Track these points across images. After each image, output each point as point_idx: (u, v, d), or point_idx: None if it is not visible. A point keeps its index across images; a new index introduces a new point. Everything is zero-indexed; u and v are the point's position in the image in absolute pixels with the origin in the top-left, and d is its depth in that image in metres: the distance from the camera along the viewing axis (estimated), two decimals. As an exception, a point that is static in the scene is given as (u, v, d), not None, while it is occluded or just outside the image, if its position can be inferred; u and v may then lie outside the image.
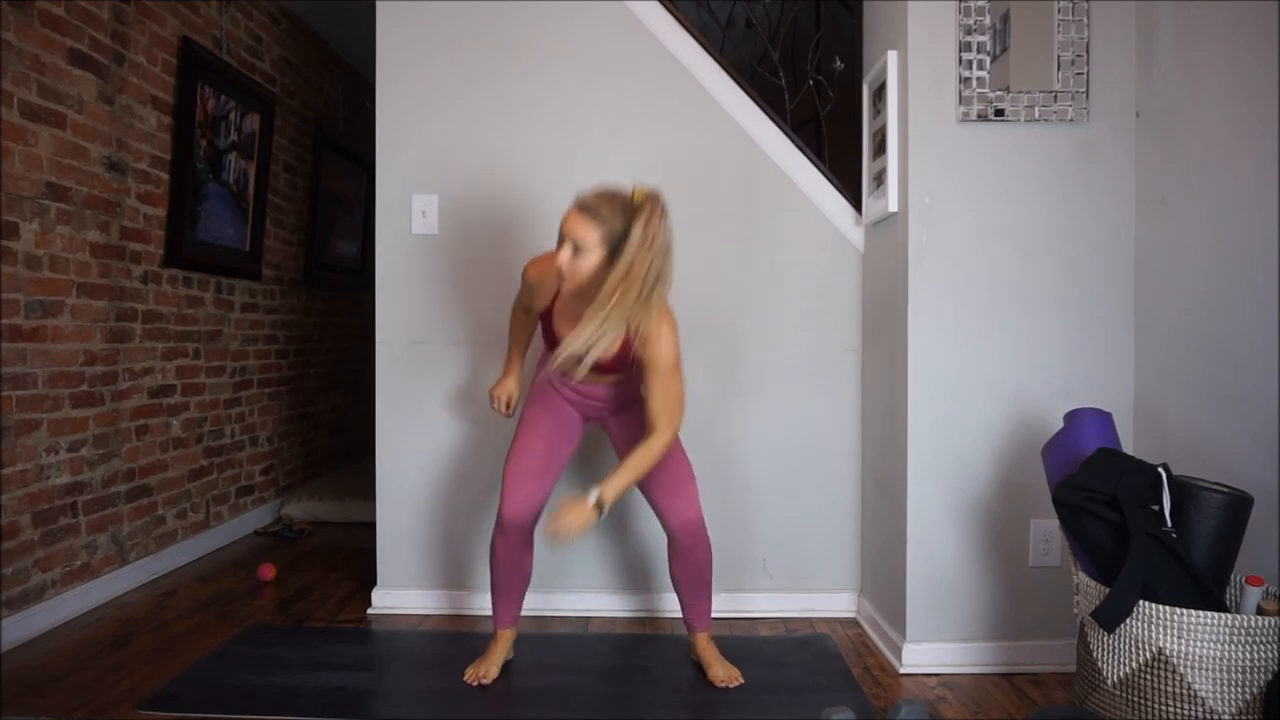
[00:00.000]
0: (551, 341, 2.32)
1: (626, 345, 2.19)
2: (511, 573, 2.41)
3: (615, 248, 2.08)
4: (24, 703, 2.22)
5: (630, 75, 2.92)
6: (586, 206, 2.11)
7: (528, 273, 2.36)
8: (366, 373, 5.41)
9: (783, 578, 2.95)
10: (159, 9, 3.34)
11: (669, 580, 2.91)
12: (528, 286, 2.38)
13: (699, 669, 2.45)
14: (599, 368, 2.22)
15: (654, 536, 2.95)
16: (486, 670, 2.39)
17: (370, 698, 2.30)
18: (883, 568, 2.71)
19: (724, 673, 2.38)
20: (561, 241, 2.12)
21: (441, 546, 2.96)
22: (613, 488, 2.14)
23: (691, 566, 2.40)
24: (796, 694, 2.31)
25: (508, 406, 2.53)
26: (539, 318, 2.37)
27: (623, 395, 2.37)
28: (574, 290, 2.17)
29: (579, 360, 2.14)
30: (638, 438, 2.26)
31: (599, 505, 2.12)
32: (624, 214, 2.08)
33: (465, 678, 2.38)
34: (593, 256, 2.10)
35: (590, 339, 2.10)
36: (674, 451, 2.33)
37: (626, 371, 2.27)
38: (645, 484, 2.35)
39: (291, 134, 4.56)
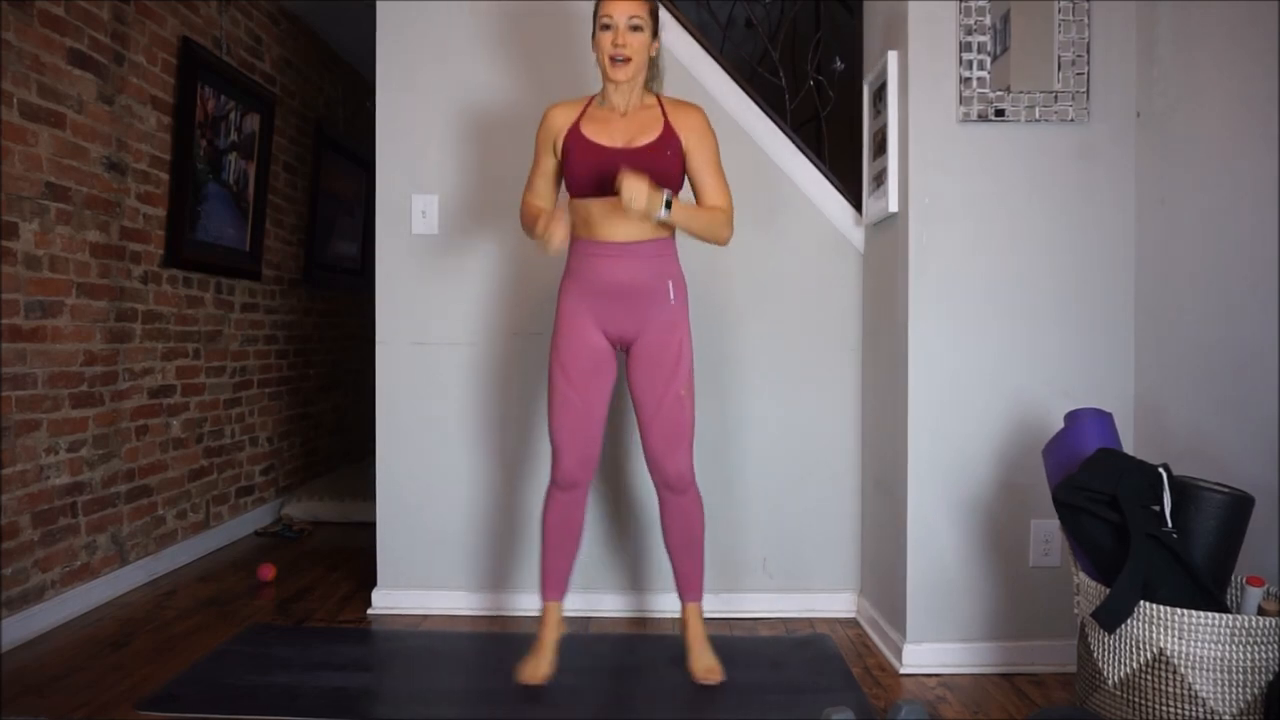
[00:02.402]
0: (583, 155, 2.25)
1: (667, 128, 2.26)
2: (567, 533, 2.38)
3: (654, 26, 2.27)
4: (24, 703, 2.22)
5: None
6: None
7: (549, 113, 2.36)
8: (366, 373, 5.40)
9: (782, 578, 2.95)
10: (159, 9, 3.34)
11: (669, 581, 2.91)
12: (549, 127, 2.35)
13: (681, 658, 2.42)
14: (640, 155, 2.22)
15: (653, 537, 2.95)
16: (541, 668, 2.33)
17: (370, 698, 2.30)
18: (883, 568, 2.71)
19: (705, 665, 2.35)
20: (609, 30, 2.21)
21: (441, 546, 2.96)
22: (682, 208, 2.21)
23: (683, 520, 2.38)
24: (796, 694, 2.31)
25: (558, 246, 2.21)
26: (564, 146, 2.30)
27: (647, 271, 2.29)
28: (624, 78, 2.23)
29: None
30: (659, 373, 2.29)
31: (668, 204, 2.16)
32: None
33: (521, 678, 2.32)
34: (646, 32, 2.24)
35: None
36: (684, 402, 2.32)
37: (665, 171, 2.24)
38: (646, 428, 2.33)
39: (291, 134, 4.56)
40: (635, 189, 2.09)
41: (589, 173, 2.25)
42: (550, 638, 2.39)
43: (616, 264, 2.29)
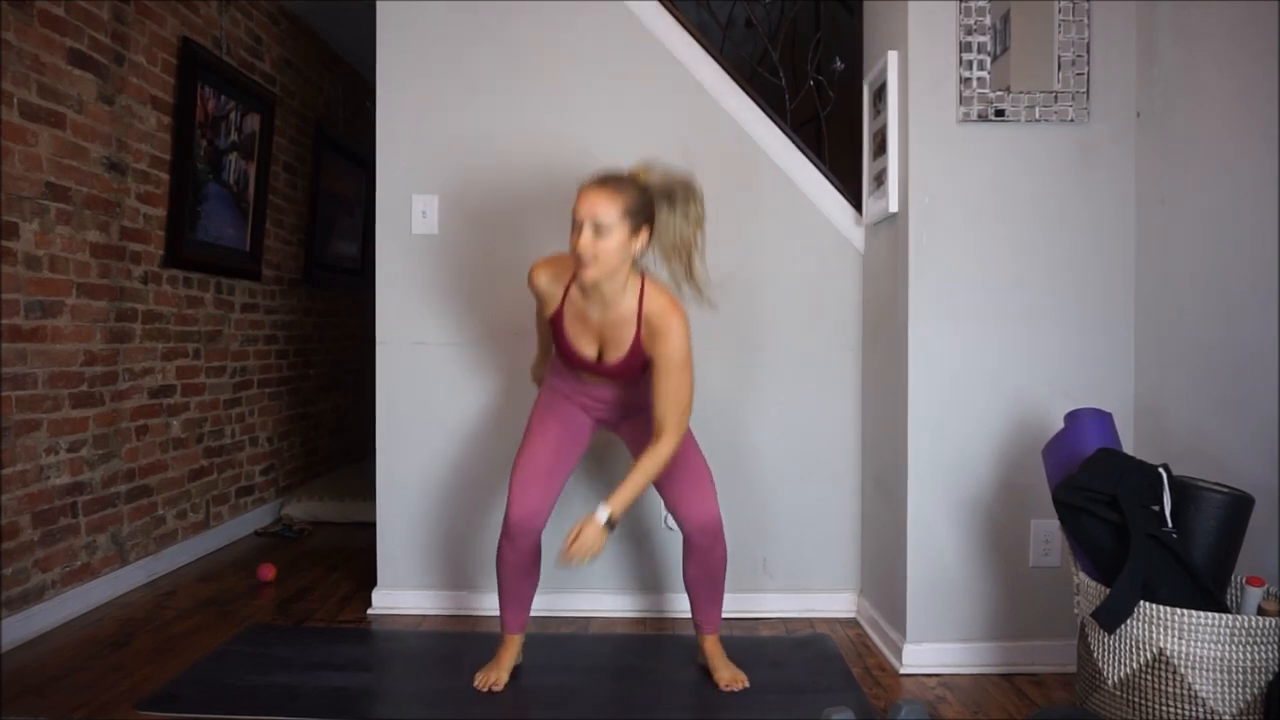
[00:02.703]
0: (563, 347, 2.26)
1: (637, 343, 2.16)
2: (521, 579, 2.36)
3: (636, 223, 2.08)
4: (24, 703, 2.22)
5: (630, 75, 2.92)
6: (605, 181, 2.08)
7: (534, 277, 2.26)
8: (366, 373, 5.39)
9: (783, 578, 2.95)
10: (159, 9, 3.34)
11: (670, 580, 2.91)
12: (536, 292, 2.29)
13: (704, 670, 2.43)
14: (609, 371, 2.21)
15: (655, 537, 2.95)
16: (498, 677, 2.34)
17: (370, 698, 2.30)
18: (883, 568, 2.71)
19: (729, 675, 2.36)
20: (576, 229, 2.05)
21: (441, 547, 2.96)
22: (620, 502, 2.14)
23: (707, 568, 2.36)
24: (796, 694, 2.31)
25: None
26: (550, 324, 2.29)
27: (631, 399, 2.35)
28: (590, 279, 2.07)
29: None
30: (648, 440, 2.23)
31: (610, 524, 2.11)
32: (637, 188, 2.10)
33: (475, 683, 2.34)
34: (616, 235, 2.05)
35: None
36: (688, 449, 2.30)
37: (637, 374, 2.24)
38: (661, 484, 2.30)
39: (291, 134, 4.56)
40: (578, 554, 2.08)
41: (577, 366, 2.28)
42: (509, 657, 2.40)
43: (604, 392, 2.34)
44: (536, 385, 2.49)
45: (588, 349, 2.23)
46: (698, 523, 2.29)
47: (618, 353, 2.19)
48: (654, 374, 2.16)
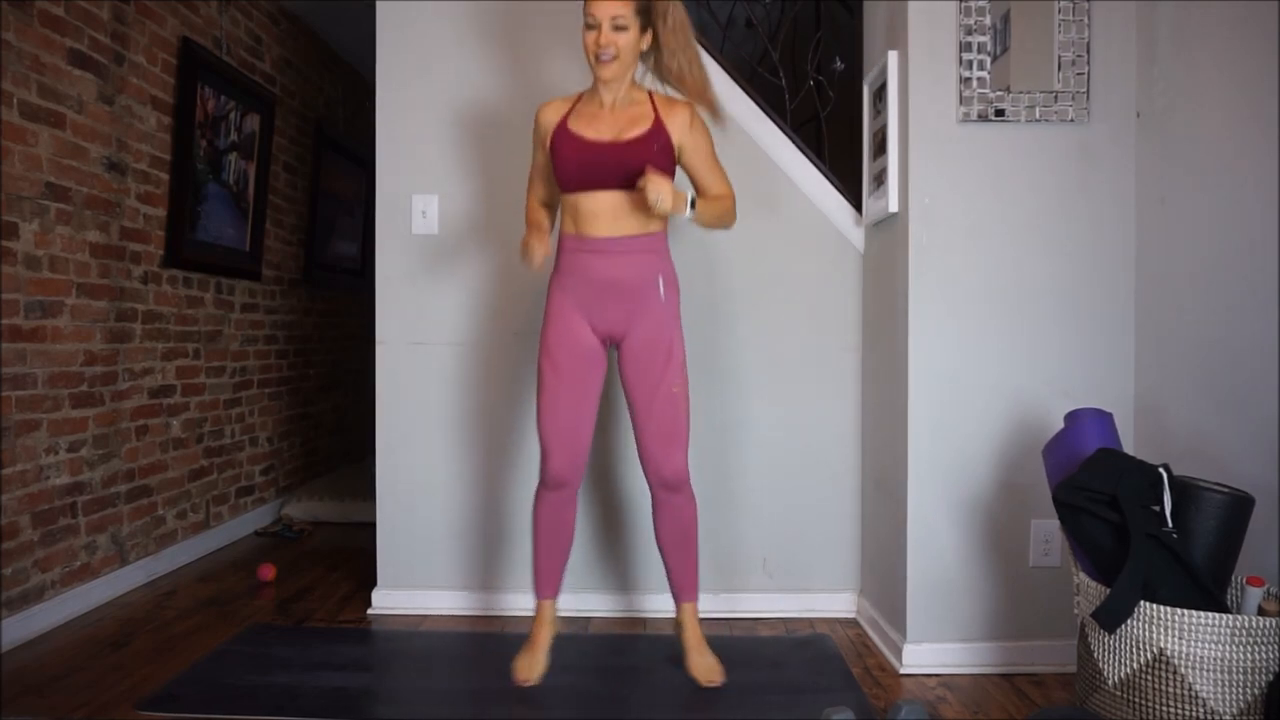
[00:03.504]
0: (569, 152, 2.25)
1: (658, 122, 2.25)
2: (558, 532, 2.37)
3: (644, 21, 2.23)
4: (24, 703, 2.22)
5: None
6: None
7: (540, 110, 2.37)
8: (366, 373, 5.41)
9: (783, 578, 2.95)
10: (159, 9, 3.34)
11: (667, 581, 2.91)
12: (539, 126, 2.36)
13: (678, 660, 2.41)
14: (626, 150, 2.22)
15: (648, 536, 2.94)
16: (533, 666, 2.33)
17: (370, 698, 2.30)
18: (883, 568, 2.71)
19: (705, 665, 2.34)
20: (594, 29, 2.20)
21: (441, 546, 2.96)
22: (703, 204, 2.28)
23: (676, 523, 2.36)
24: (796, 694, 2.31)
25: (539, 264, 2.27)
26: (551, 145, 2.30)
27: (638, 270, 2.28)
28: (610, 76, 2.22)
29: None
30: (651, 369, 2.27)
31: (693, 204, 2.23)
32: None
33: (516, 677, 2.32)
34: (632, 30, 2.21)
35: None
36: (679, 401, 2.30)
37: (653, 156, 2.23)
38: (640, 427, 2.31)
39: (291, 134, 4.56)
40: (661, 189, 2.12)
41: (575, 167, 2.25)
42: (543, 635, 2.39)
43: (606, 260, 2.28)
44: (528, 262, 2.27)
45: (603, 135, 2.26)
46: (668, 471, 2.30)
47: (636, 131, 2.25)
48: (692, 166, 2.32)
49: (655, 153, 2.24)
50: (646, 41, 2.28)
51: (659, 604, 2.94)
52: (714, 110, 2.35)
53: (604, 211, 2.26)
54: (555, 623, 2.43)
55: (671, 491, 2.34)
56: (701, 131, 2.32)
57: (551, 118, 2.34)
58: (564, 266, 2.34)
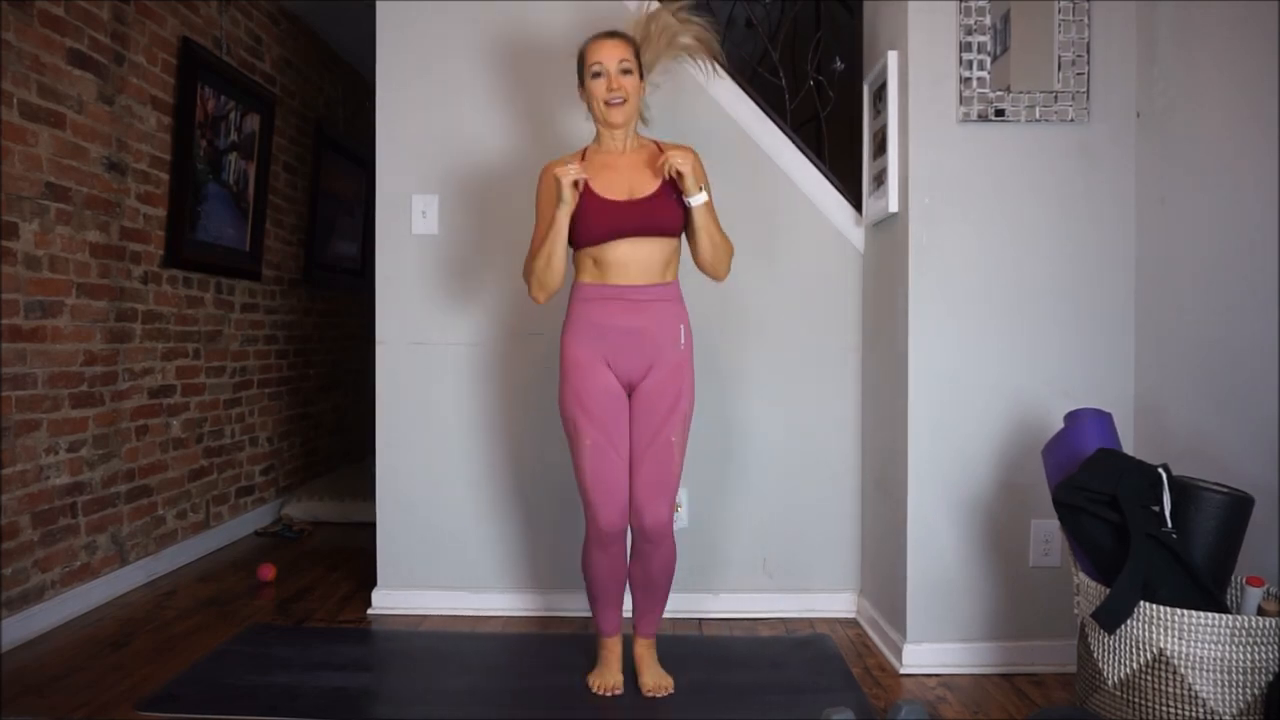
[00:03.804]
0: (593, 213, 2.20)
1: (671, 182, 2.23)
2: (616, 581, 2.33)
3: (639, 65, 2.27)
4: (24, 703, 2.22)
5: (630, 75, 2.91)
6: (612, 32, 2.26)
7: (549, 168, 2.31)
8: (366, 373, 5.40)
9: (783, 578, 2.95)
10: (159, 9, 3.34)
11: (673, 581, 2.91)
12: (552, 183, 2.22)
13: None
14: (645, 209, 2.21)
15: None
16: (613, 680, 2.33)
17: (370, 698, 2.30)
18: (883, 568, 2.71)
19: (653, 681, 2.32)
20: (601, 76, 2.20)
21: (441, 546, 2.96)
22: (708, 204, 2.27)
23: (647, 571, 2.32)
24: (796, 694, 2.31)
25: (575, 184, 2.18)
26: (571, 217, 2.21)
27: (656, 321, 2.26)
28: (621, 119, 2.24)
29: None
30: (654, 414, 2.24)
31: (705, 188, 2.25)
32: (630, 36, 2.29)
33: (594, 689, 2.32)
34: (635, 74, 2.24)
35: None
36: (673, 449, 2.26)
37: (671, 214, 2.22)
38: (633, 470, 2.26)
39: (291, 134, 4.56)
40: (681, 157, 2.17)
41: (602, 227, 2.21)
42: (614, 663, 2.37)
43: (629, 306, 2.25)
44: (571, 182, 2.16)
45: (618, 194, 2.24)
46: (651, 521, 2.24)
47: (652, 187, 2.25)
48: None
49: (672, 204, 2.23)
50: (644, 89, 2.32)
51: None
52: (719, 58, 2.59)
53: (627, 259, 2.23)
54: (621, 649, 2.40)
55: (654, 544, 2.27)
56: (704, 178, 2.31)
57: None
58: (581, 314, 2.28)
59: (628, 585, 2.37)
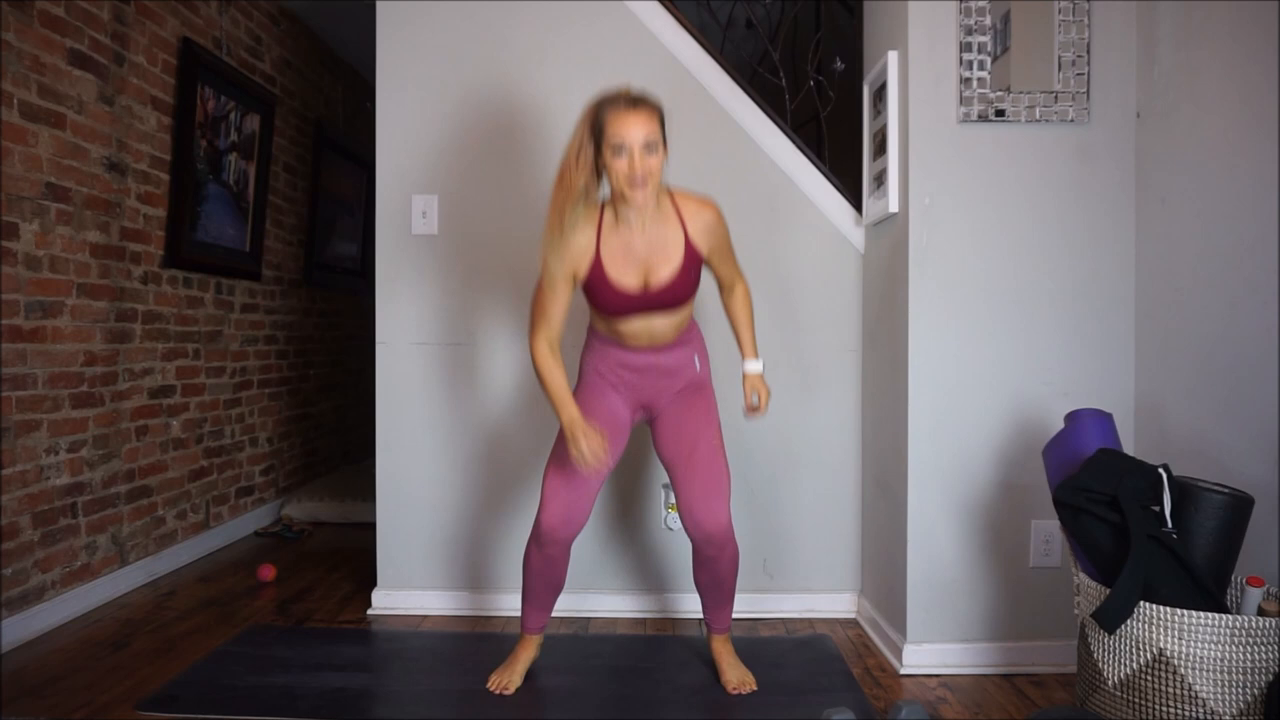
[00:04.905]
0: (604, 295, 2.14)
1: (688, 247, 2.16)
2: (546, 583, 2.33)
3: (665, 135, 2.09)
4: (24, 703, 2.22)
5: (630, 75, 2.90)
6: (637, 101, 2.03)
7: (565, 236, 2.13)
8: (366, 373, 5.41)
9: (783, 578, 2.95)
10: (159, 9, 3.34)
11: (669, 581, 2.92)
12: (569, 253, 2.10)
13: (713, 669, 2.42)
14: (661, 295, 2.15)
15: (654, 537, 2.95)
16: (509, 680, 2.32)
17: (370, 699, 2.30)
18: (883, 568, 2.71)
19: (736, 678, 2.35)
20: (624, 154, 2.01)
21: (441, 547, 2.96)
22: (756, 349, 2.38)
23: (714, 573, 2.31)
24: (797, 694, 2.31)
25: (599, 451, 2.12)
26: (588, 282, 2.16)
27: (670, 361, 2.26)
28: (643, 202, 2.05)
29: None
30: (687, 427, 2.24)
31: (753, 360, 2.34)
32: (655, 103, 2.11)
33: (489, 685, 2.33)
34: (660, 151, 2.06)
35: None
36: (715, 449, 2.26)
37: (688, 291, 2.18)
38: (683, 484, 2.23)
39: (291, 134, 4.56)
40: (766, 400, 2.36)
41: (617, 309, 2.17)
42: (524, 659, 2.38)
43: (644, 359, 2.26)
44: (592, 456, 2.11)
45: (632, 281, 2.14)
46: (705, 529, 2.21)
47: (669, 268, 2.14)
48: (715, 264, 2.28)
49: (692, 280, 2.18)
50: (666, 156, 2.11)
51: (659, 604, 2.94)
52: None
53: (641, 330, 2.22)
54: (537, 651, 2.43)
55: (717, 548, 2.24)
56: (723, 230, 2.24)
57: (580, 248, 2.13)
58: (598, 351, 2.29)
59: (696, 588, 2.39)
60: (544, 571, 2.30)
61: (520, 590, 2.41)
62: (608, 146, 2.03)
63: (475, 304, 2.95)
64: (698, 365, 2.33)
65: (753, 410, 2.36)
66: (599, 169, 2.09)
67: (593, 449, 2.10)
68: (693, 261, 2.17)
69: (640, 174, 2.02)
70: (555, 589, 2.36)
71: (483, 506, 2.96)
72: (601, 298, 2.17)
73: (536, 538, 2.26)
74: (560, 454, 2.23)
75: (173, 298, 3.48)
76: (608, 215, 2.17)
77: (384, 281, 2.96)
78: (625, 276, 2.15)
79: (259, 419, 4.26)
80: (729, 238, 2.28)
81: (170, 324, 3.47)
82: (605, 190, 2.17)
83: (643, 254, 2.15)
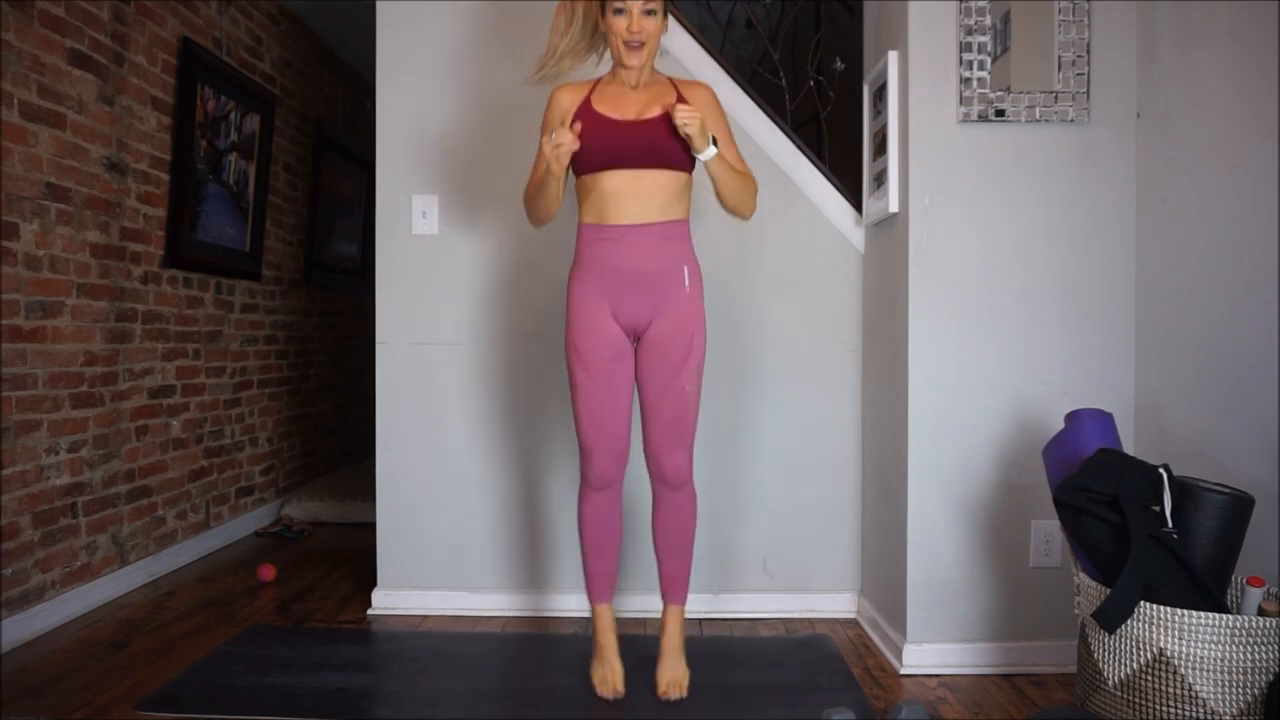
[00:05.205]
0: (600, 126, 2.18)
1: (680, 100, 2.19)
2: (608, 533, 2.32)
3: (664, 3, 2.19)
4: (24, 703, 2.22)
5: (630, 75, 2.91)
6: None
7: (557, 94, 2.28)
8: (366, 373, 5.41)
9: (783, 578, 2.95)
10: (159, 9, 3.34)
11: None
12: (558, 110, 2.25)
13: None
14: (650, 130, 2.16)
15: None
16: (613, 675, 2.27)
17: (370, 699, 2.30)
18: (883, 568, 2.71)
19: (666, 678, 2.27)
20: (624, 14, 2.14)
21: (441, 547, 2.96)
22: (723, 155, 2.20)
23: (676, 518, 2.31)
24: (796, 694, 2.31)
25: (569, 141, 2.13)
26: (577, 149, 2.15)
27: (662, 253, 2.22)
28: (639, 64, 2.18)
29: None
30: (662, 370, 2.22)
31: (715, 142, 2.17)
32: None
33: (599, 692, 2.26)
34: (659, 16, 2.18)
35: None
36: (689, 397, 2.25)
37: (679, 154, 2.18)
38: (648, 419, 2.27)
39: (291, 134, 4.56)
40: (689, 113, 2.08)
41: (602, 147, 2.18)
42: (610, 641, 2.33)
43: (629, 247, 2.21)
44: (558, 149, 2.11)
45: (627, 114, 2.20)
46: (671, 467, 2.26)
47: (660, 108, 2.18)
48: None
49: (683, 140, 2.16)
50: (665, 27, 2.24)
51: (659, 604, 2.94)
52: None
53: (626, 191, 2.19)
54: (616, 625, 2.37)
55: (672, 489, 2.30)
56: (721, 115, 2.28)
57: (572, 100, 2.25)
58: (584, 258, 2.26)
59: (654, 550, 2.36)
60: (605, 519, 2.31)
61: (582, 565, 2.39)
62: (609, 6, 2.17)
63: (475, 304, 2.95)
64: (687, 281, 2.25)
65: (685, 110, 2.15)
66: (599, 33, 2.25)
67: (559, 135, 2.11)
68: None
69: (638, 35, 2.16)
70: (617, 540, 2.35)
71: (482, 506, 2.96)
72: (591, 137, 2.17)
73: (590, 483, 2.29)
74: (584, 402, 2.25)
75: (173, 298, 3.48)
76: (604, 81, 2.29)
77: (384, 281, 2.96)
78: (615, 112, 2.21)
79: (259, 419, 4.26)
80: (727, 122, 2.29)
81: (170, 324, 3.47)
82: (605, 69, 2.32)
83: (634, 101, 2.23)
